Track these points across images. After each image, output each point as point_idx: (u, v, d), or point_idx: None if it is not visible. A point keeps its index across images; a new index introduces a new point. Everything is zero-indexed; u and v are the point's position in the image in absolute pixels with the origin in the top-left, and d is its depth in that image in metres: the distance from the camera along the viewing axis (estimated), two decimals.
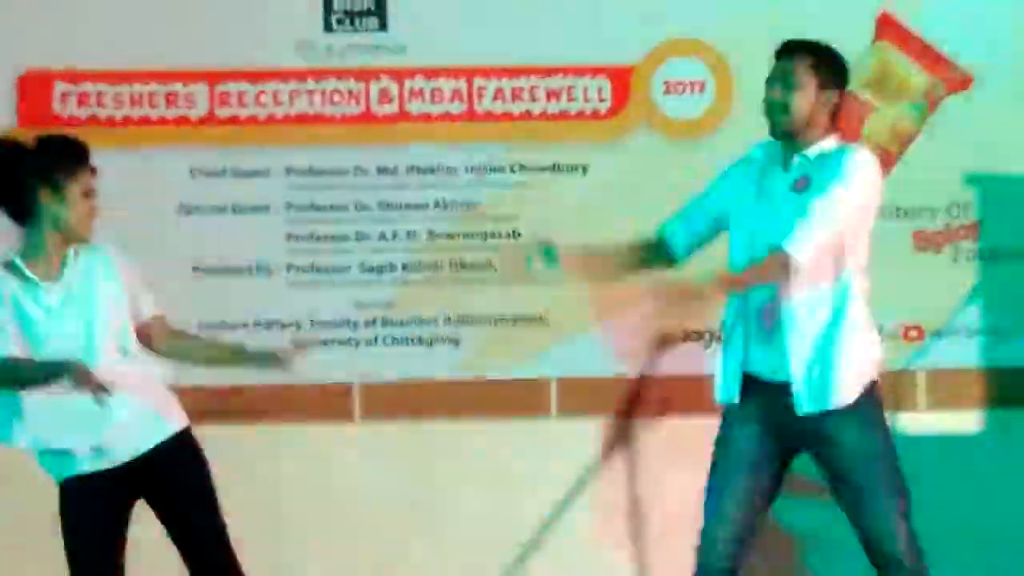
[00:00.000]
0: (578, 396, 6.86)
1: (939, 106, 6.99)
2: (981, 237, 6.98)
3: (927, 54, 7.02)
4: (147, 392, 5.10)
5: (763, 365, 4.94)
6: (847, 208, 4.90)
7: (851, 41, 6.51)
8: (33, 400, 5.01)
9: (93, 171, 5.10)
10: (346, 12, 6.93)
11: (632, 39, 6.98)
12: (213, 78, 6.88)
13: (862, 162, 4.97)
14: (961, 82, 6.98)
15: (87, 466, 5.03)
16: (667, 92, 6.96)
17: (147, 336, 5.19)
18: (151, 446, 5.06)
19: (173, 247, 6.53)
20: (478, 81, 6.92)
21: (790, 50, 5.08)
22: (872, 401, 4.99)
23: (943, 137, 6.97)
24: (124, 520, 5.14)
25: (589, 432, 6.84)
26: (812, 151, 4.96)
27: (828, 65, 5.03)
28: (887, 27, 7.01)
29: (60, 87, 6.81)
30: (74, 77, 6.80)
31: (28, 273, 5.03)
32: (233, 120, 6.90)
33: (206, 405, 6.26)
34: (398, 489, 6.77)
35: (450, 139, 6.81)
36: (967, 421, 6.99)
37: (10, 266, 5.05)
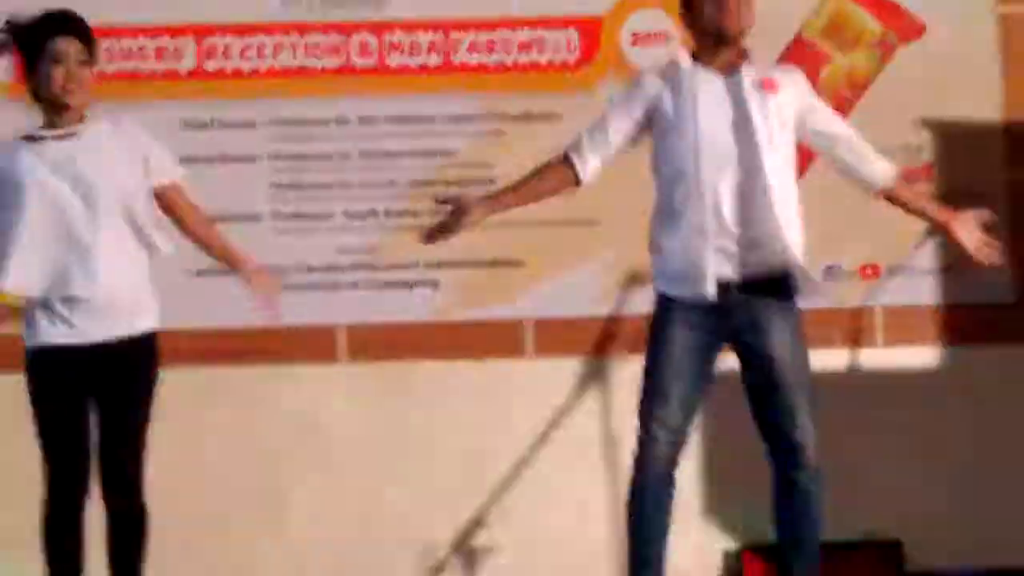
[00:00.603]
0: (553, 337, 6.92)
1: (893, 54, 7.13)
2: (933, 179, 7.07)
3: (880, 4, 7.14)
4: (134, 278, 5.16)
5: (724, 265, 4.96)
6: None
7: None
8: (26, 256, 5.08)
9: (82, 41, 5.17)
10: None
11: None
12: (200, 32, 6.93)
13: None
14: (913, 31, 7.11)
15: (55, 339, 5.08)
16: (634, 43, 7.04)
17: (165, 200, 5.26)
18: (121, 336, 5.11)
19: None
20: (454, 34, 6.99)
21: None
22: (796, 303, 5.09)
23: (896, 83, 7.09)
24: (82, 400, 5.12)
25: (564, 371, 6.89)
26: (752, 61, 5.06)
27: None
28: None
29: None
30: None
31: (39, 134, 5.14)
32: (219, 73, 6.95)
33: (202, 345, 6.58)
34: (380, 425, 6.81)
35: (428, 90, 6.84)
36: (922, 356, 7.06)
37: (29, 136, 5.16)
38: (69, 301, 5.08)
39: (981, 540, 6.87)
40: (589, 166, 5.05)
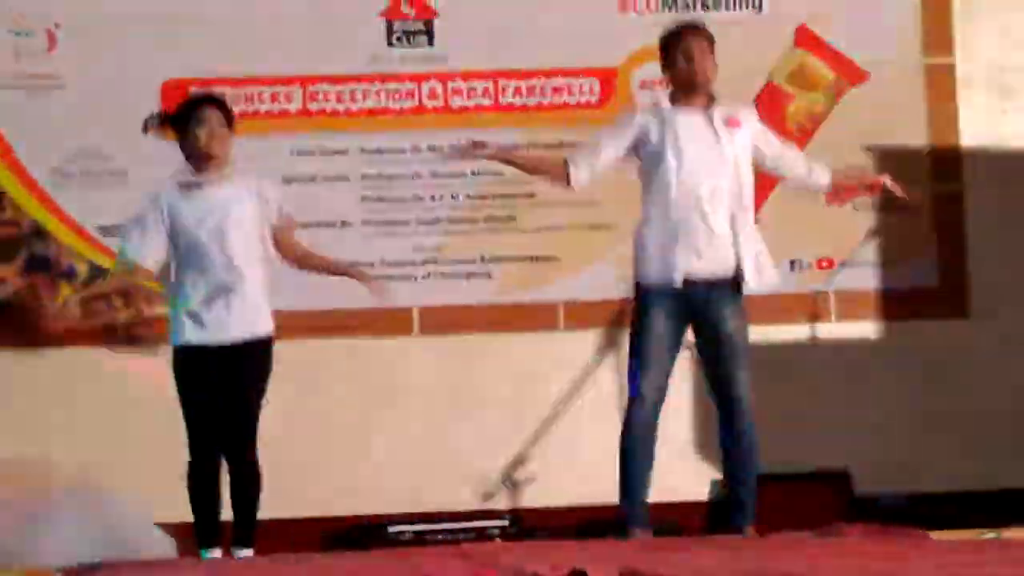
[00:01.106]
0: (579, 315, 6.95)
1: (843, 95, 7.21)
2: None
3: (833, 56, 7.21)
4: (255, 297, 5.26)
5: (690, 265, 5.10)
6: None
7: (778, 46, 7.11)
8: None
9: (224, 115, 5.32)
10: (404, 32, 7.04)
11: (615, 49, 7.08)
12: (304, 81, 6.99)
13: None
14: (859, 77, 7.19)
15: (193, 338, 5.21)
16: (641, 87, 7.05)
17: (277, 239, 5.34)
18: (242, 339, 5.22)
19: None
20: (501, 82, 7.05)
21: (698, 29, 5.31)
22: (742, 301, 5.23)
23: (845, 117, 7.15)
24: (215, 388, 5.19)
25: (588, 341, 6.91)
26: (719, 103, 5.20)
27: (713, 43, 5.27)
28: (804, 36, 7.20)
29: (193, 92, 6.57)
30: (204, 83, 6.72)
31: (185, 180, 5.29)
32: (320, 113, 7.01)
33: (306, 322, 6.51)
34: (445, 383, 6.86)
35: (481, 125, 6.72)
36: (865, 329, 7.14)
37: (177, 182, 5.30)
38: (208, 310, 5.21)
39: (914, 470, 6.91)
40: (579, 175, 5.22)
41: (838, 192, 5.58)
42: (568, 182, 5.27)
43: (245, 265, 5.24)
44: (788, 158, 5.39)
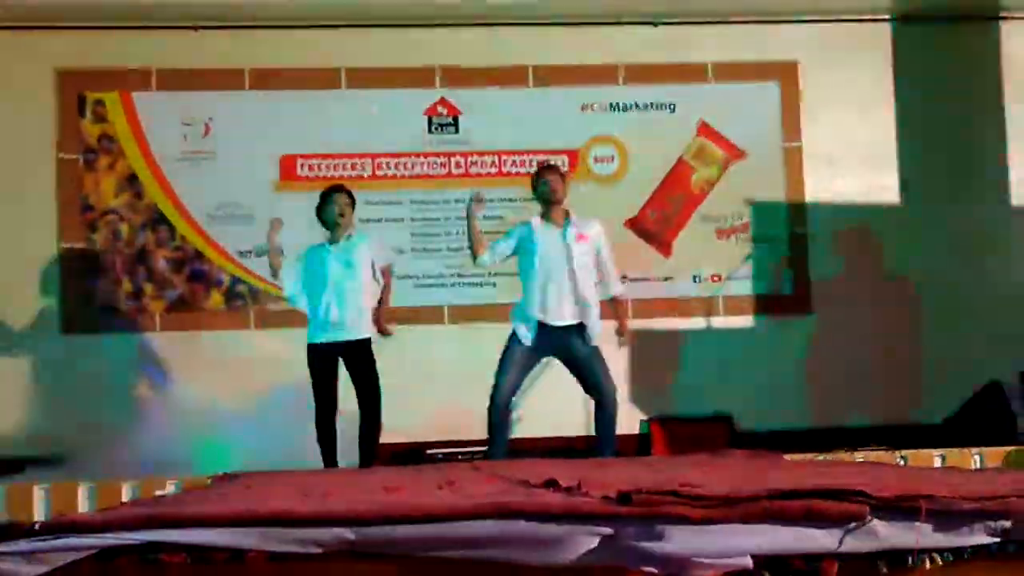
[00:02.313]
0: None
1: (728, 166, 7.14)
2: (750, 231, 7.07)
3: (723, 142, 7.14)
4: (361, 312, 5.29)
5: (552, 318, 5.08)
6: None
7: (686, 135, 7.05)
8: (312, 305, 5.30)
9: (349, 198, 5.39)
10: (439, 124, 7.01)
11: (578, 136, 7.06)
12: (373, 156, 6.98)
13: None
14: (739, 155, 7.14)
15: (320, 339, 5.26)
16: (595, 162, 7.09)
17: (382, 275, 5.39)
18: (351, 339, 5.26)
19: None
20: (504, 157, 7.02)
21: (552, 168, 5.33)
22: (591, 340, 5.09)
23: (730, 182, 7.12)
24: (334, 371, 5.25)
25: None
26: (573, 220, 5.11)
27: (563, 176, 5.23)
28: (703, 129, 7.13)
29: (300, 162, 6.91)
30: (306, 156, 6.90)
31: (328, 246, 5.37)
32: (383, 176, 6.98)
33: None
34: (465, 358, 6.62)
35: (490, 185, 6.73)
36: (744, 321, 7.06)
37: (323, 245, 5.37)
38: (330, 320, 5.22)
39: (776, 414, 6.75)
40: (483, 258, 5.20)
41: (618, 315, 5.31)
42: (477, 256, 5.20)
43: (358, 301, 5.34)
44: (606, 264, 5.27)
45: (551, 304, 5.10)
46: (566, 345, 5.14)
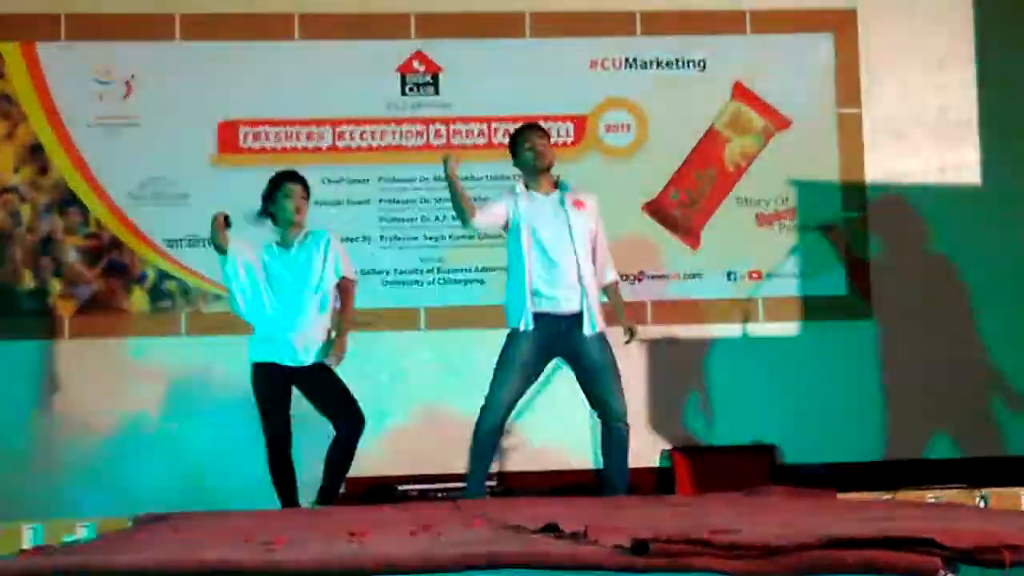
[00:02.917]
0: None
1: (770, 138, 7.17)
2: (796, 217, 7.09)
3: (763, 107, 7.18)
4: (317, 334, 5.33)
5: (551, 304, 5.10)
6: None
7: (718, 98, 7.09)
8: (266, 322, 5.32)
9: (305, 190, 5.40)
10: (414, 84, 7.03)
11: (586, 99, 7.08)
12: (334, 123, 6.98)
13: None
14: (783, 123, 7.18)
15: (268, 358, 5.30)
16: (607, 131, 7.11)
17: (341, 287, 5.38)
18: (308, 362, 5.30)
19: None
20: (494, 125, 7.01)
21: (534, 128, 5.33)
22: (603, 332, 5.17)
23: (772, 156, 7.14)
24: (286, 396, 5.31)
25: None
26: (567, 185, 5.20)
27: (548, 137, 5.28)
28: (739, 91, 7.16)
29: (243, 130, 6.92)
30: (252, 123, 6.91)
31: (274, 247, 5.39)
32: (346, 149, 6.98)
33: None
34: (444, 366, 6.74)
35: (477, 159, 6.72)
36: (788, 328, 7.06)
37: (269, 245, 5.40)
38: (282, 339, 5.26)
39: (830, 443, 6.84)
40: (477, 219, 5.15)
41: (616, 304, 5.43)
42: (470, 219, 5.19)
43: (314, 312, 5.38)
44: (601, 244, 5.32)
45: (550, 289, 5.11)
46: (572, 341, 5.13)
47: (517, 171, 5.53)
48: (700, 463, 6.73)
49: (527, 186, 5.27)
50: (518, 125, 5.53)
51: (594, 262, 5.25)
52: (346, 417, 5.32)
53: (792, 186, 7.15)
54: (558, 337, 5.14)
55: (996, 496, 5.05)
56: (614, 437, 5.13)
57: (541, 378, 5.33)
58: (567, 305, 5.13)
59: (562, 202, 5.20)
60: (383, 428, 6.53)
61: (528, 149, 5.23)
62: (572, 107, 7.11)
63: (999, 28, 7.28)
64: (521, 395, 5.20)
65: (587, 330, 5.12)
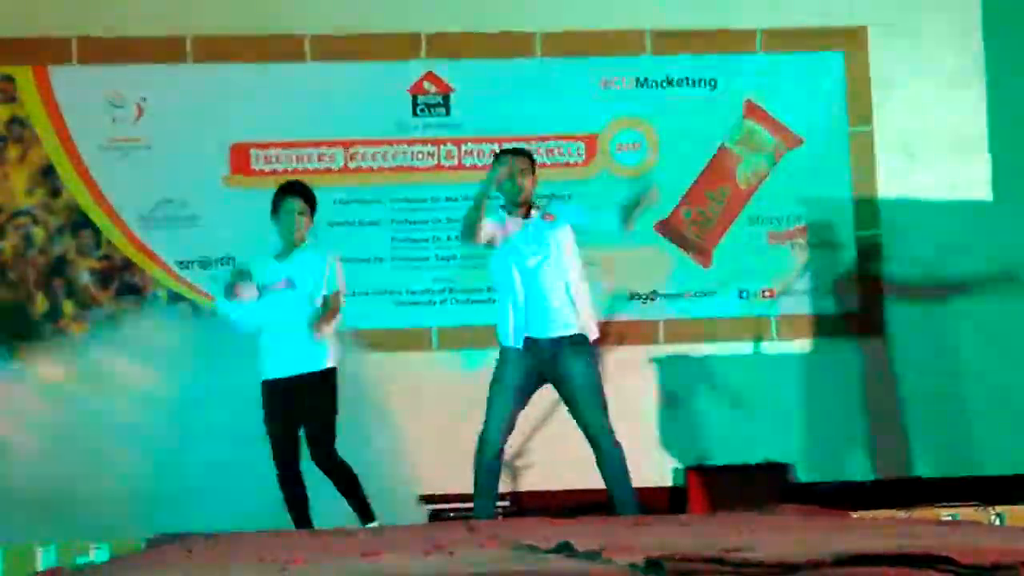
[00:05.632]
0: None
1: (781, 156, 7.18)
2: (808, 236, 7.12)
3: (775, 125, 7.19)
4: (305, 343, 5.22)
5: (538, 330, 5.10)
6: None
7: (729, 117, 7.10)
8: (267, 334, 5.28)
9: (305, 202, 5.35)
10: (426, 104, 7.05)
11: (597, 118, 7.09)
12: (345, 144, 7.01)
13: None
14: (795, 142, 7.19)
15: (272, 375, 5.27)
16: (619, 151, 7.13)
17: (329, 301, 5.28)
18: (307, 371, 5.24)
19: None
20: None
21: (517, 152, 5.30)
22: (592, 351, 5.18)
23: (784, 175, 7.16)
24: (288, 409, 5.21)
25: None
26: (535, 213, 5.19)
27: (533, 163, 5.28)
28: (750, 109, 7.17)
29: (254, 152, 6.95)
30: (263, 145, 6.93)
31: (274, 261, 5.33)
32: (358, 169, 7.01)
33: (353, 340, 6.19)
34: (456, 384, 6.60)
35: None
36: (800, 345, 7.06)
37: (268, 260, 5.31)
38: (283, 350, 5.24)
39: (844, 462, 6.89)
40: (478, 238, 5.14)
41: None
42: (473, 237, 5.20)
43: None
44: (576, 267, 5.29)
45: (535, 310, 5.12)
46: (557, 365, 5.12)
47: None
48: (713, 482, 6.70)
49: (507, 211, 5.27)
50: (496, 153, 5.54)
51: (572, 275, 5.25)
52: (316, 433, 5.24)
53: (804, 204, 7.16)
54: (545, 360, 5.13)
55: (1011, 514, 5.01)
56: (609, 463, 5.11)
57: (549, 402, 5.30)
58: (553, 328, 5.13)
59: (539, 221, 5.22)
60: (396, 448, 6.48)
61: (510, 183, 5.20)
62: (583, 126, 7.13)
63: (1008, 44, 7.28)
64: (513, 416, 5.18)
65: (580, 362, 5.11)
